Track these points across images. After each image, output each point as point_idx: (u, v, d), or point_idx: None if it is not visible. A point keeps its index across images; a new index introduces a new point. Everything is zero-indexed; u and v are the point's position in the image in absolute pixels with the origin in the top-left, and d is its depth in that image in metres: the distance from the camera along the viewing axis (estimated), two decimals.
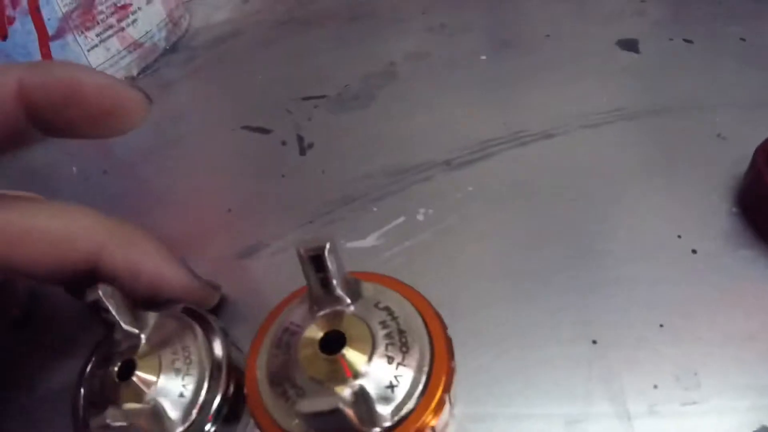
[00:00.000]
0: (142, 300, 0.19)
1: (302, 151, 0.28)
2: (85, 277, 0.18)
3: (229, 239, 0.25)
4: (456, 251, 0.22)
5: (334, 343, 0.16)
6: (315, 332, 0.16)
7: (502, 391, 0.18)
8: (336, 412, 0.13)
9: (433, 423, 0.15)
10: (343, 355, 0.15)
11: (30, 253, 0.17)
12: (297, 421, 0.15)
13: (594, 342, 0.19)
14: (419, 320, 0.17)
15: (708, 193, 0.23)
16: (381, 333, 0.16)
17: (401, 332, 0.16)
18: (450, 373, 0.16)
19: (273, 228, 0.25)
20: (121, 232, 0.19)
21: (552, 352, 0.19)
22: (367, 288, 0.17)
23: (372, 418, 0.15)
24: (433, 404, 0.15)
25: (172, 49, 0.41)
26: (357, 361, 0.15)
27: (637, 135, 0.26)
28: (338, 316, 0.16)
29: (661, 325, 0.19)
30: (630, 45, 0.31)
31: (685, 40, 0.31)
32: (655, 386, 0.18)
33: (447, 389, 0.15)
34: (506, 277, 0.21)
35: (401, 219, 0.24)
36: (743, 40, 0.30)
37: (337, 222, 0.25)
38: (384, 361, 0.16)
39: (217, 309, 0.22)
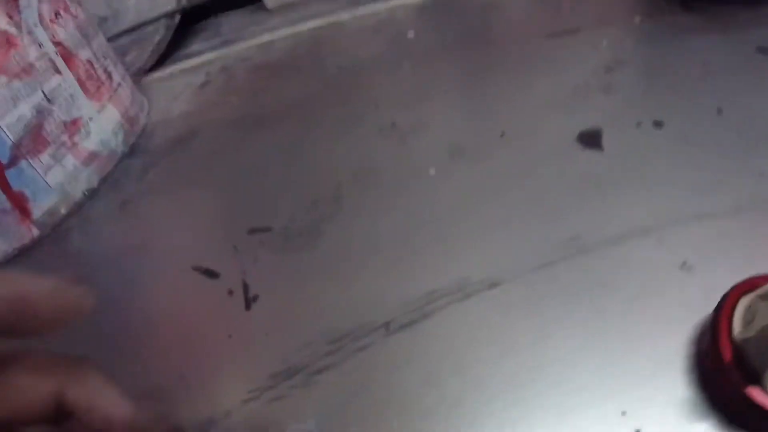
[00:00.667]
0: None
1: (248, 305, 0.29)
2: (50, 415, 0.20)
3: (183, 410, 0.26)
4: None
5: None
6: None
7: None
8: None
9: None
10: None
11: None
12: None
13: None
14: None
15: (661, 359, 0.22)
16: None
17: None
18: None
19: (221, 399, 0.26)
20: (75, 371, 0.21)
21: None
22: None
23: None
24: None
25: (131, 152, 0.41)
26: None
27: (592, 273, 0.25)
28: None
29: None
30: (592, 140, 0.30)
31: (656, 123, 0.30)
32: None
33: None
34: None
35: (339, 402, 0.24)
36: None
37: (281, 399, 0.25)
38: None
39: None
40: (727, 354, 0.20)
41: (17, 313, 0.18)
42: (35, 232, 0.37)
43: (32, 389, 0.20)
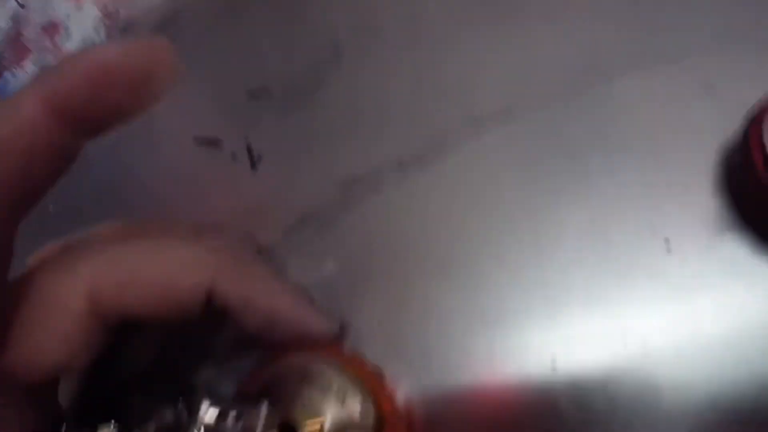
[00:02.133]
0: (257, 333, 0.19)
1: (253, 165, 0.27)
2: (200, 311, 0.18)
3: None
4: (411, 276, 0.22)
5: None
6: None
7: None
8: None
9: None
10: None
11: (136, 296, 0.17)
12: None
13: (553, 369, 0.19)
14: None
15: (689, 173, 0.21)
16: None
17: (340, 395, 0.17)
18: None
19: None
20: (231, 263, 0.18)
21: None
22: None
23: None
24: None
25: None
26: None
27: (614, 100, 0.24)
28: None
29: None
30: None
31: None
32: None
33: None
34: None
35: (356, 243, 0.24)
36: None
37: (299, 248, 0.24)
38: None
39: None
40: (759, 163, 0.19)
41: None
42: None
43: (178, 279, 0.17)
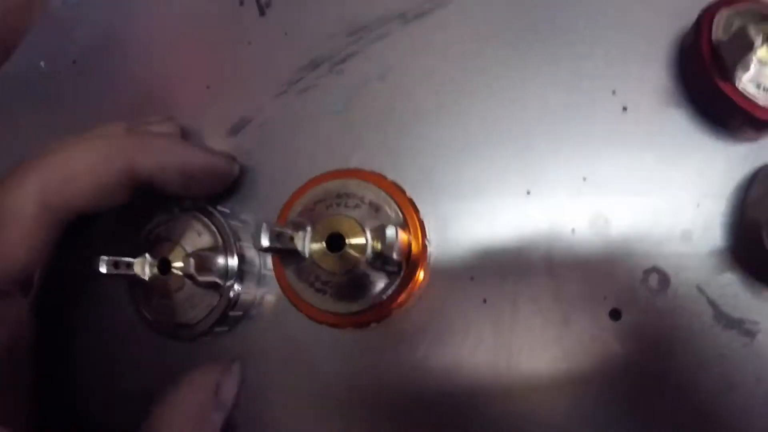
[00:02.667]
0: (178, 190, 0.24)
1: (261, 11, 0.29)
2: (133, 188, 0.23)
3: (215, 117, 0.28)
4: (417, 112, 0.26)
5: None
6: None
7: None
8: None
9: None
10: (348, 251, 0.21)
11: (76, 188, 0.21)
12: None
13: (528, 192, 0.24)
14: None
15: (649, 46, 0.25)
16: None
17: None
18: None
19: (252, 100, 0.28)
20: (145, 145, 0.23)
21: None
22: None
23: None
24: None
25: None
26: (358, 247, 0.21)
27: None
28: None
29: (584, 179, 0.24)
30: None
31: None
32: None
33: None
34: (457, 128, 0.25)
35: (367, 82, 0.26)
36: None
37: (309, 90, 0.27)
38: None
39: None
40: (705, 48, 0.23)
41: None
42: None
43: (101, 167, 0.22)
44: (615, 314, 0.24)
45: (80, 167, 0.22)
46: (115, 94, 0.30)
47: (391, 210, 0.22)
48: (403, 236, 0.21)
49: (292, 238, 0.21)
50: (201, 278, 0.23)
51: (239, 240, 0.26)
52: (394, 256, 0.20)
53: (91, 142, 0.23)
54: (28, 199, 0.21)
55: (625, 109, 0.25)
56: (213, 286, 0.24)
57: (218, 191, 0.25)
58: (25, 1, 0.19)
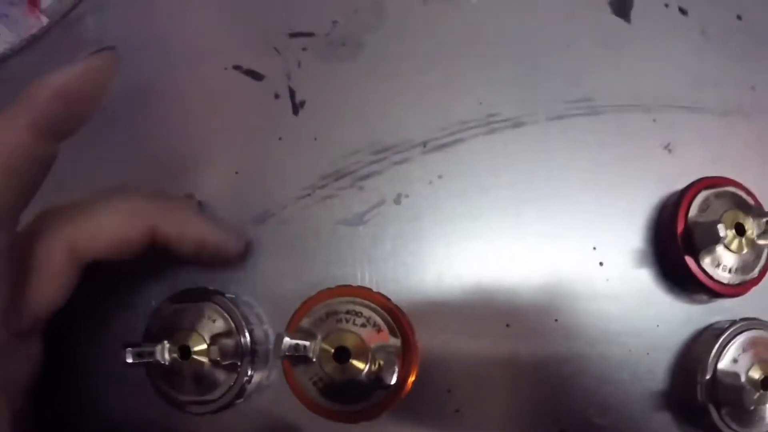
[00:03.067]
0: (190, 256, 0.27)
1: (295, 110, 0.31)
2: (148, 248, 0.26)
3: (241, 203, 0.31)
4: (424, 241, 0.29)
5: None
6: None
7: None
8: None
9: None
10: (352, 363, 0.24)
11: (102, 242, 0.24)
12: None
13: (507, 326, 0.28)
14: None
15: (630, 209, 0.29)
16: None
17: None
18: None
19: (277, 196, 0.30)
20: (167, 210, 0.26)
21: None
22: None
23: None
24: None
25: None
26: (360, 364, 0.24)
27: (593, 133, 0.30)
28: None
29: (556, 320, 0.28)
30: (621, 8, 0.31)
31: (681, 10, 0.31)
32: None
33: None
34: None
35: (383, 202, 0.30)
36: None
37: (331, 198, 0.30)
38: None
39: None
40: (680, 228, 0.27)
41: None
42: (44, 20, 0.35)
43: (128, 226, 0.24)
44: None
45: (107, 222, 0.25)
46: (140, 154, 0.32)
47: (394, 338, 0.26)
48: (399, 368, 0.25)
49: (305, 348, 0.25)
50: (224, 363, 0.27)
51: (249, 323, 0.29)
52: (390, 381, 0.24)
53: (119, 200, 0.25)
54: (57, 247, 0.24)
55: (601, 264, 0.29)
56: (232, 366, 0.27)
57: (225, 264, 0.29)
58: (88, 95, 0.21)
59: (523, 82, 0.30)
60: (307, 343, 0.24)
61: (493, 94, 0.30)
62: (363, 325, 0.26)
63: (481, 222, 0.29)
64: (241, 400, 0.29)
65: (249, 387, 0.28)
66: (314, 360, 0.25)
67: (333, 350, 0.25)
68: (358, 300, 0.26)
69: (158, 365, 0.27)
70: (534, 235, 0.29)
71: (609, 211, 0.29)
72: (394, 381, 0.25)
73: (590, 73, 0.30)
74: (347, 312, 0.26)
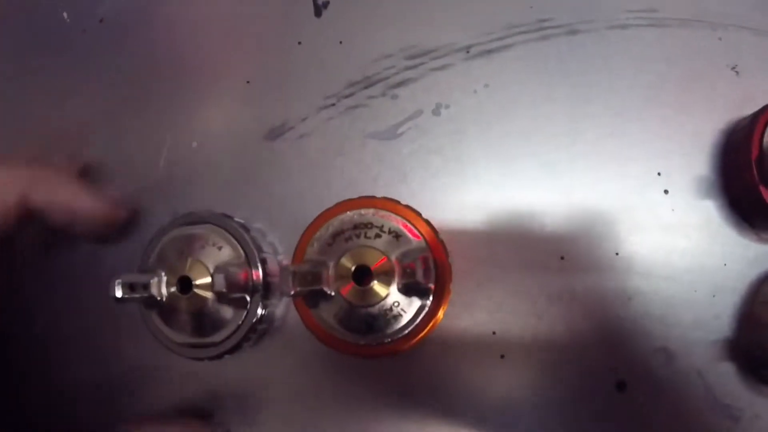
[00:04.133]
0: (63, 226, 0.25)
1: (317, 12, 0.27)
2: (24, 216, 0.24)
3: (252, 117, 0.26)
4: (466, 158, 0.25)
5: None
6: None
7: None
8: None
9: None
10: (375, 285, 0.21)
11: None
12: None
13: (562, 258, 0.24)
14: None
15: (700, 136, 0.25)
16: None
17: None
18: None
19: (296, 106, 0.26)
20: (40, 178, 0.24)
21: None
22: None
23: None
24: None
25: None
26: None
27: (658, 47, 0.26)
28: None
29: (617, 253, 0.24)
30: None
31: None
32: None
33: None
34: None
35: (420, 113, 0.26)
36: None
37: (359, 108, 0.26)
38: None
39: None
40: (754, 152, 0.24)
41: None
42: None
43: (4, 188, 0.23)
44: (621, 386, 0.25)
45: None
46: (138, 64, 0.28)
47: (417, 241, 0.22)
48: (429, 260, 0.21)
49: (318, 278, 0.21)
50: (232, 295, 0.22)
51: (262, 252, 0.24)
52: (426, 281, 0.20)
53: None
54: None
55: (666, 192, 0.25)
56: (240, 302, 0.23)
57: (101, 234, 0.26)
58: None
59: None
60: (313, 270, 0.20)
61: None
62: (377, 236, 0.22)
63: (532, 140, 0.25)
64: (250, 342, 0.24)
65: (259, 327, 0.24)
66: (332, 293, 0.21)
67: (352, 272, 0.21)
68: (363, 211, 0.22)
69: (153, 302, 0.22)
70: (592, 156, 0.25)
71: (675, 133, 0.26)
72: (431, 280, 0.21)
73: None
74: (354, 227, 0.22)
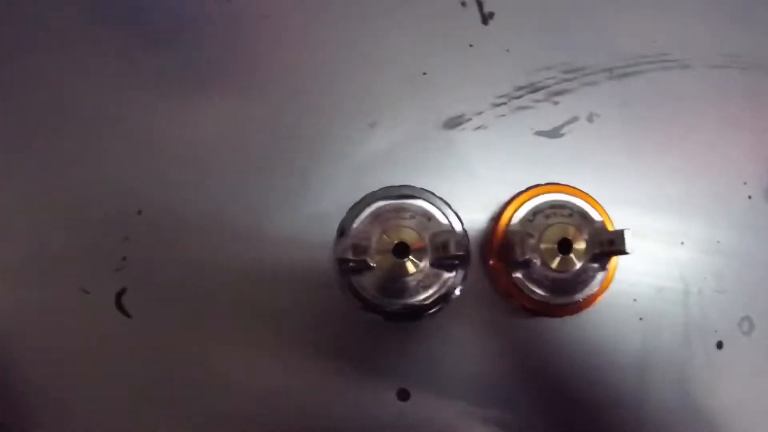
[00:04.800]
0: None
1: (484, 20, 0.31)
2: None
3: (431, 105, 0.29)
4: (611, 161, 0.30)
5: None
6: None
7: None
8: None
9: None
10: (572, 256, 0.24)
11: None
12: None
13: (682, 243, 0.30)
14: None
15: None
16: None
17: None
18: None
19: (472, 101, 0.29)
20: None
21: None
22: None
23: None
24: None
25: None
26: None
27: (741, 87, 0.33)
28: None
29: (718, 242, 0.30)
30: None
31: None
32: None
33: None
34: None
35: (576, 119, 0.30)
36: None
37: (526, 109, 0.30)
38: None
39: None
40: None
41: None
42: None
43: None
44: (720, 345, 0.30)
45: None
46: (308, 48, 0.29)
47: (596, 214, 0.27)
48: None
49: (529, 247, 0.25)
50: (450, 260, 0.25)
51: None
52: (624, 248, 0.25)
53: None
54: None
55: (750, 197, 0.32)
56: (449, 267, 0.26)
57: None
58: None
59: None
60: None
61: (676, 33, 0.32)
62: (570, 215, 0.26)
63: (667, 143, 0.31)
64: (445, 305, 0.27)
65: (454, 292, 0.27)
66: (537, 262, 0.25)
67: (557, 243, 0.25)
68: (559, 195, 0.27)
69: (364, 265, 0.24)
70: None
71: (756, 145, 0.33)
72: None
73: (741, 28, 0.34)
74: (552, 206, 0.26)
